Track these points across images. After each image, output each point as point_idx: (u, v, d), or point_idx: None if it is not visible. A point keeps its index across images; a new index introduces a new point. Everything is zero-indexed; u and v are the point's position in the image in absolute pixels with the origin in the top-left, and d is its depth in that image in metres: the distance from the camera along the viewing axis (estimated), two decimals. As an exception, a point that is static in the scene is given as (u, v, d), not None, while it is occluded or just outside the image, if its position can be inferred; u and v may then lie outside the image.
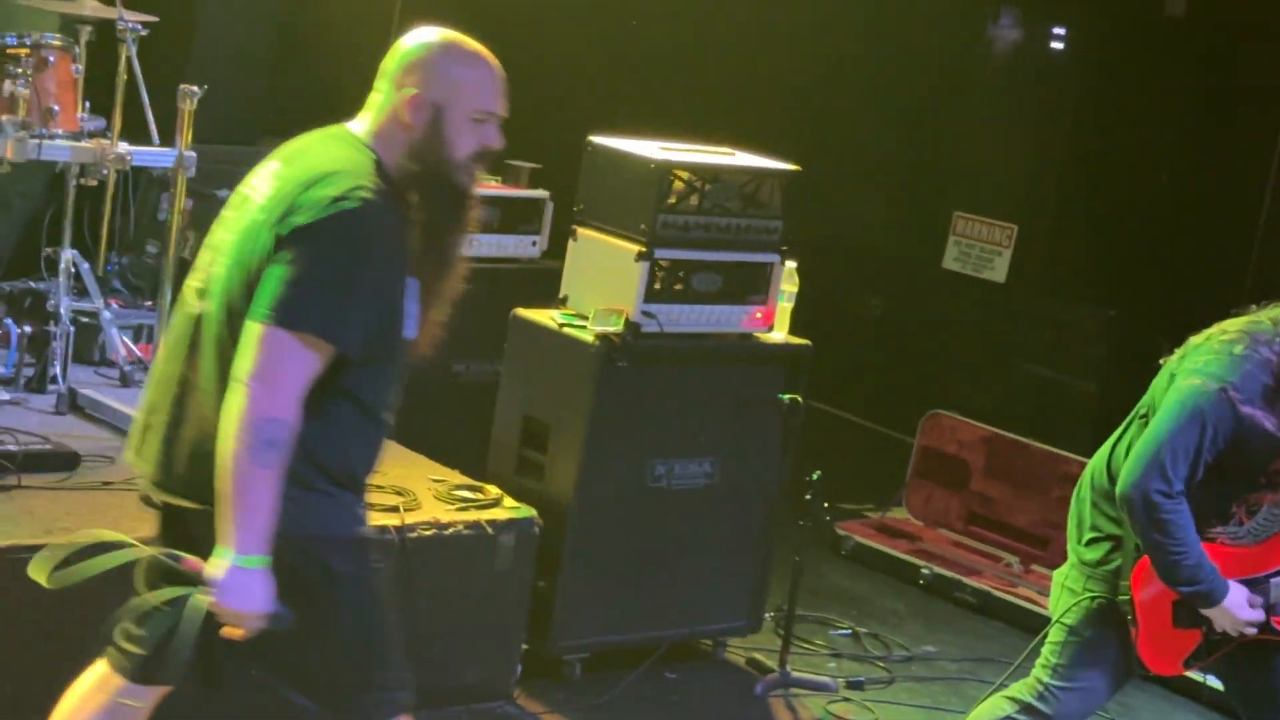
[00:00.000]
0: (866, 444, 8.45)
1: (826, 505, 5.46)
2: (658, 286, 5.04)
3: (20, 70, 4.65)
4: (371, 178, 3.08)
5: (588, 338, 4.97)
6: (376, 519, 4.59)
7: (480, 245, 6.12)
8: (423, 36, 3.16)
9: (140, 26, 5.03)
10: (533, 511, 4.91)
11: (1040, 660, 4.08)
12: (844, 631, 5.98)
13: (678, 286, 5.09)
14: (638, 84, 6.47)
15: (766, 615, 5.65)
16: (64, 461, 4.63)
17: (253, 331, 3.00)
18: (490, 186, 6.21)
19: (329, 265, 3.02)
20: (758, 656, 5.51)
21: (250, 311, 3.02)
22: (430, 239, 3.16)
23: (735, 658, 5.55)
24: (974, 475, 6.89)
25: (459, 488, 4.94)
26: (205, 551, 3.06)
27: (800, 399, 5.23)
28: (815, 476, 5.29)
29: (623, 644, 5.22)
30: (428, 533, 4.68)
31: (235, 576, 3.01)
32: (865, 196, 8.68)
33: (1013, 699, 4.07)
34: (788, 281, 5.32)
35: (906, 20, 8.15)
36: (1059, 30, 8.57)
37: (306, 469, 3.10)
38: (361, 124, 3.19)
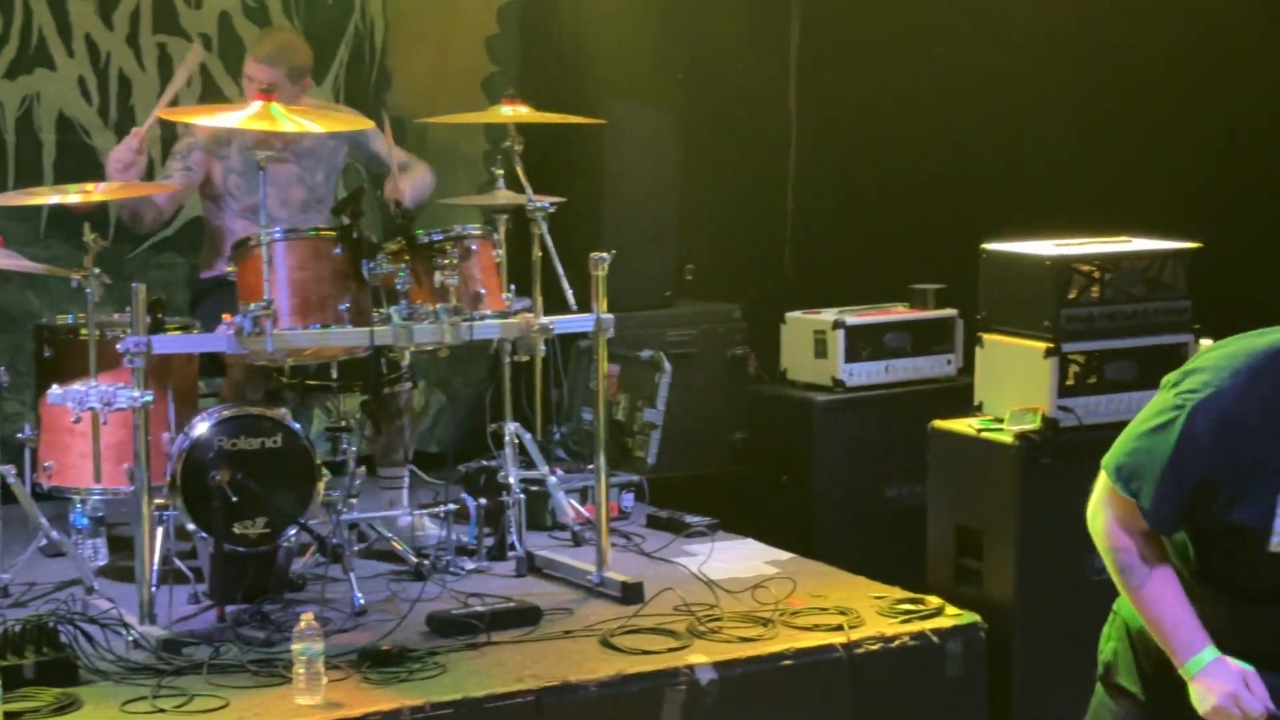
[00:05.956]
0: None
1: None
2: (1070, 381, 5.07)
3: (447, 261, 5.06)
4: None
5: (1007, 439, 5.03)
6: (822, 638, 4.78)
7: (896, 371, 6.29)
8: None
9: (549, 205, 5.42)
10: (976, 617, 4.97)
11: None
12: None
13: (1091, 379, 5.11)
14: (1026, 188, 6.54)
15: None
16: (528, 617, 4.95)
17: None
18: (897, 312, 6.39)
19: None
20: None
21: None
22: None
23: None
24: None
25: (900, 601, 5.05)
26: None
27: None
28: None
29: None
30: (874, 647, 4.79)
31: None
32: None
33: None
34: (1206, 358, 5.25)
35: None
36: None
37: None
38: None
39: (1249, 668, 3.05)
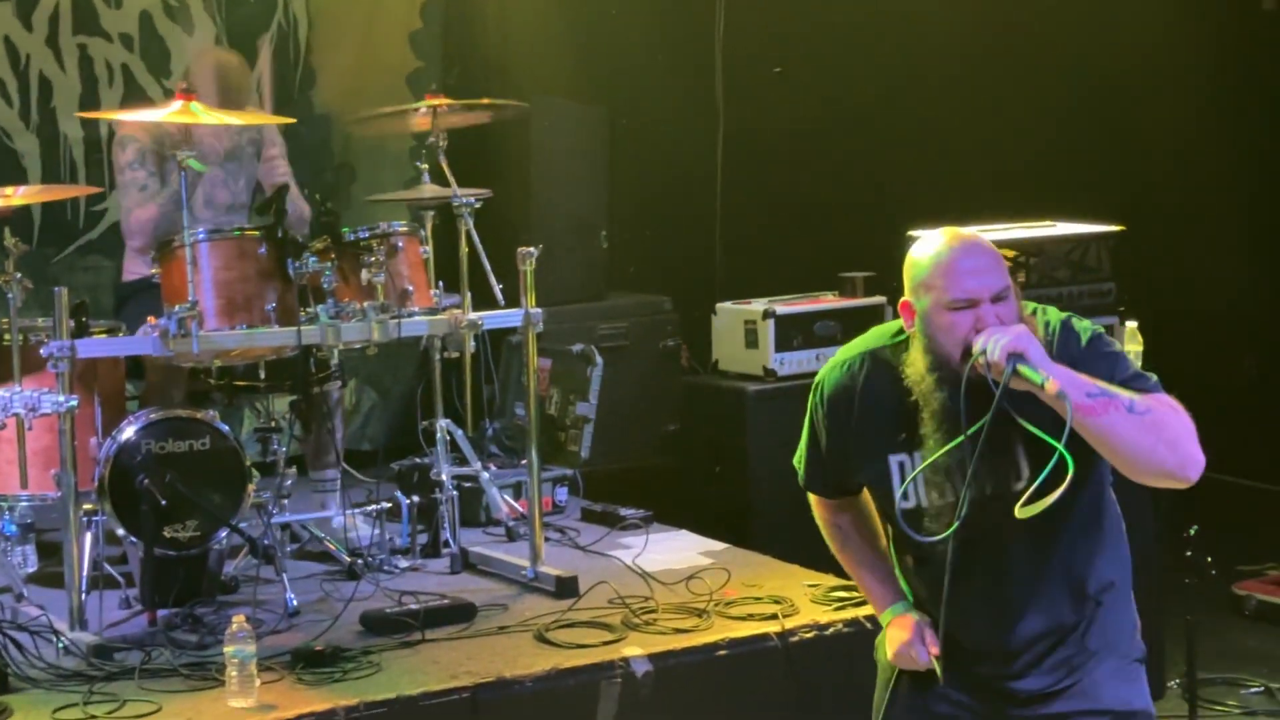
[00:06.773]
0: (1261, 506, 8.16)
1: (1210, 559, 5.36)
2: (998, 365, 5.09)
3: (373, 259, 5.05)
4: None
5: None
6: (756, 628, 4.79)
7: (827, 359, 6.29)
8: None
9: (474, 200, 5.41)
10: (909, 602, 4.98)
11: None
12: (1256, 690, 5.81)
13: (1019, 362, 5.13)
14: (951, 174, 6.60)
15: (1172, 683, 5.55)
16: (462, 614, 4.93)
17: None
18: (827, 300, 6.41)
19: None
20: (1166, 724, 5.41)
21: None
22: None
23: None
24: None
25: (834, 589, 5.07)
26: None
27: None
28: (1192, 531, 5.21)
29: None
30: (809, 635, 4.81)
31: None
32: (1223, 255, 8.46)
33: None
34: (1131, 341, 5.30)
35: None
36: None
37: None
38: None
39: (925, 618, 3.36)
